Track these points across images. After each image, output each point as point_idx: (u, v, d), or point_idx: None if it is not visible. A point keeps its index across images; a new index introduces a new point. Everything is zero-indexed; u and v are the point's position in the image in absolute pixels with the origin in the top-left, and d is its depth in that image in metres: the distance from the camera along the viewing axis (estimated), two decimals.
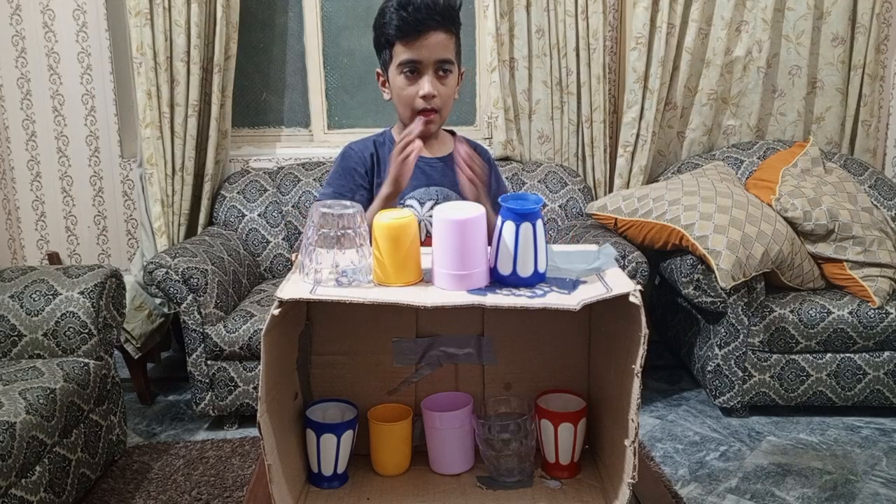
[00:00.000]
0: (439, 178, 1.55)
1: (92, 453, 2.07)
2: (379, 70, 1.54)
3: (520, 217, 1.08)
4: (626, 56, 2.99)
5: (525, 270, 1.10)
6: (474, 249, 1.09)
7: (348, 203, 1.11)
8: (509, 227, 1.09)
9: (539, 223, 1.09)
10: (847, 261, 2.54)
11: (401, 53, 1.44)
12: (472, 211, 1.10)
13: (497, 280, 1.12)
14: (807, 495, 2.10)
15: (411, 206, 1.53)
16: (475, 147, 1.66)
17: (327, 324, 1.30)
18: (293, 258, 1.26)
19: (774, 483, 2.17)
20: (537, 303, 1.03)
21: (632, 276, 2.44)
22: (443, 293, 1.07)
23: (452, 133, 1.65)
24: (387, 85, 1.52)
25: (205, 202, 2.95)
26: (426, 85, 1.44)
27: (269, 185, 2.98)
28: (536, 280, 1.11)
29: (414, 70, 1.45)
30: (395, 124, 1.60)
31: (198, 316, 2.41)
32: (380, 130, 1.64)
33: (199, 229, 2.96)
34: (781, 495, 2.11)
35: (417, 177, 1.53)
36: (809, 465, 2.27)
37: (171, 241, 2.88)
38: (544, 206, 2.93)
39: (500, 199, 1.12)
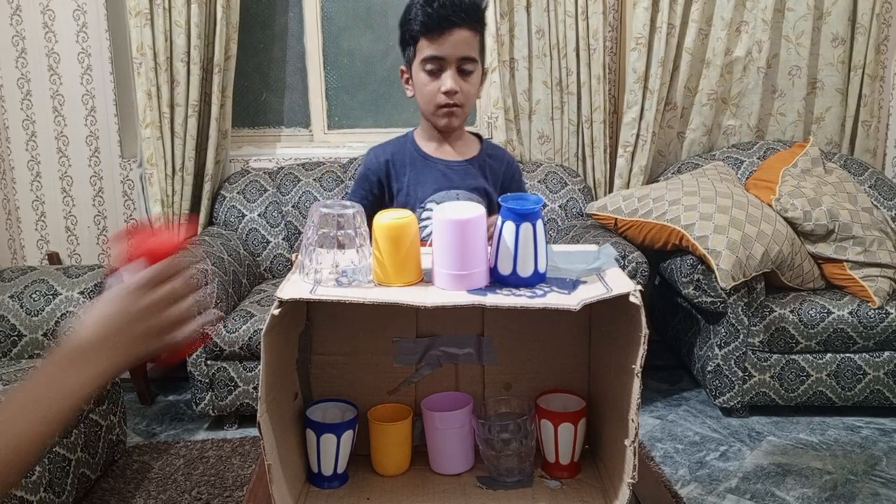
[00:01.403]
0: (459, 180, 1.54)
1: (92, 453, 2.07)
2: (403, 67, 1.53)
3: (520, 217, 1.08)
4: (626, 56, 2.99)
5: (525, 270, 1.10)
6: (474, 249, 1.09)
7: (348, 203, 1.11)
8: (509, 227, 1.09)
9: (539, 223, 1.09)
10: (847, 261, 2.54)
11: (424, 49, 1.44)
12: (473, 211, 1.09)
13: (497, 280, 1.12)
14: (807, 495, 2.10)
15: (431, 210, 1.51)
16: (500, 151, 1.66)
17: (327, 324, 1.30)
18: (293, 258, 1.26)
19: (774, 483, 2.17)
20: (537, 303, 1.03)
21: (632, 276, 2.44)
22: (443, 293, 1.07)
23: (479, 137, 1.64)
24: (410, 82, 1.52)
25: (205, 202, 2.95)
26: (448, 81, 1.44)
27: (269, 186, 2.98)
28: (536, 280, 1.10)
29: (437, 66, 1.44)
30: (418, 126, 1.59)
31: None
32: (403, 131, 1.61)
33: (199, 229, 2.96)
34: (781, 495, 2.11)
35: (438, 179, 1.52)
36: (809, 465, 2.27)
37: None
38: (544, 206, 2.92)
39: (500, 200, 1.12)
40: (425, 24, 1.42)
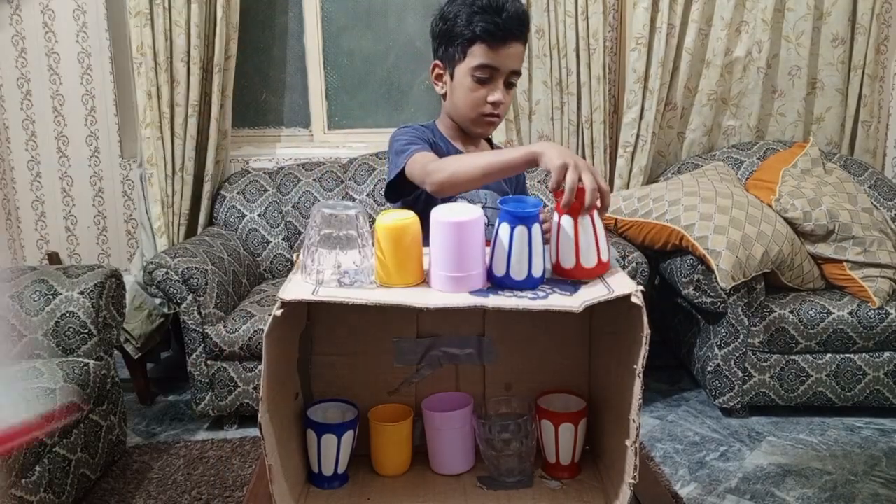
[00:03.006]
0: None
1: (92, 453, 2.07)
2: (439, 63, 1.48)
3: (516, 220, 1.08)
4: (626, 56, 2.99)
5: (519, 274, 1.09)
6: (472, 251, 1.09)
7: (351, 203, 1.11)
8: (505, 229, 1.09)
9: (536, 227, 1.09)
10: (847, 261, 2.55)
11: (480, 56, 1.40)
12: (470, 213, 1.09)
13: (492, 282, 1.11)
14: (806, 496, 2.11)
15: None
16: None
17: (328, 324, 1.30)
18: (295, 258, 1.25)
19: (774, 483, 2.17)
20: (539, 304, 1.03)
21: (632, 277, 2.44)
22: (445, 294, 1.07)
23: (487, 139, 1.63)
24: (444, 79, 1.48)
25: (205, 202, 2.95)
26: (498, 92, 1.42)
27: (269, 186, 2.98)
28: (530, 284, 1.10)
29: (488, 75, 1.42)
30: (439, 118, 1.55)
31: (198, 316, 2.41)
32: (425, 122, 1.56)
33: (199, 229, 2.96)
34: (781, 495, 2.11)
35: None
36: (809, 465, 2.27)
37: (170, 242, 2.88)
38: (544, 206, 2.92)
39: (498, 201, 1.12)
40: (489, 31, 1.38)
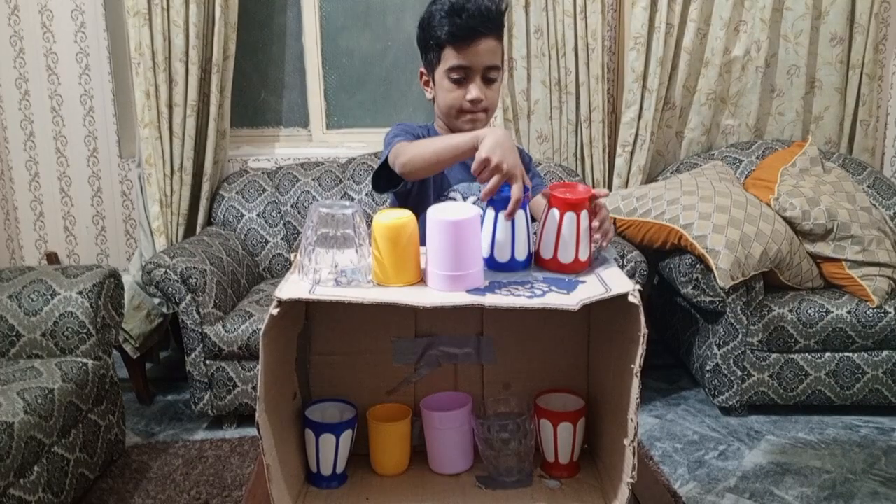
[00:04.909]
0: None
1: (90, 453, 2.07)
2: (423, 69, 1.52)
3: (500, 204, 1.12)
4: (625, 56, 2.99)
5: (502, 256, 1.14)
6: (469, 251, 1.09)
7: (347, 203, 1.11)
8: (490, 213, 1.14)
9: (520, 213, 1.13)
10: (846, 260, 2.55)
11: (450, 58, 1.43)
12: (466, 212, 1.10)
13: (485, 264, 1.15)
14: (805, 494, 2.11)
15: (453, 199, 1.52)
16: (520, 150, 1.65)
17: (326, 323, 1.30)
18: (293, 258, 1.26)
19: (773, 482, 2.18)
20: (536, 303, 1.03)
21: (631, 276, 2.44)
22: (442, 293, 1.07)
23: None
24: (430, 85, 1.52)
25: (203, 202, 2.95)
26: (474, 90, 1.44)
27: (268, 185, 2.98)
28: (514, 267, 1.14)
29: (462, 75, 1.44)
30: (435, 120, 1.58)
31: (196, 316, 2.41)
32: (423, 123, 1.58)
33: (198, 229, 2.95)
34: (780, 494, 2.11)
35: (463, 171, 1.52)
36: (808, 464, 2.27)
37: (169, 241, 2.88)
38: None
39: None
40: (453, 33, 1.40)
